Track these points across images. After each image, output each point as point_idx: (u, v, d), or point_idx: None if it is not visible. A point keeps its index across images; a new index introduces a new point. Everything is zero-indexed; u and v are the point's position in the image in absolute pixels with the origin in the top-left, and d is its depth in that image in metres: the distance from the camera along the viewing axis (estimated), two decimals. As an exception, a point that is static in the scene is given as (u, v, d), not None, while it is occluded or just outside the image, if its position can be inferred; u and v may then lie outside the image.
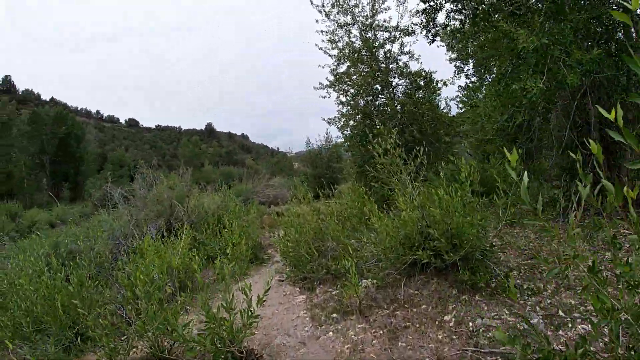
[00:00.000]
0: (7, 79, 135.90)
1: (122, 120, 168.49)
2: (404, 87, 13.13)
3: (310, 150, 28.52)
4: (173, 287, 6.52)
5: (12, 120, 51.12)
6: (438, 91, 13.02)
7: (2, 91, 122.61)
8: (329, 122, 13.64)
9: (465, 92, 21.56)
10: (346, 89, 13.08)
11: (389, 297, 5.39)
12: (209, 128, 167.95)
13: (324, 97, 13.49)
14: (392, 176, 5.97)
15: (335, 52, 13.27)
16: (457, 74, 14.97)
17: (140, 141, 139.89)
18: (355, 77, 12.96)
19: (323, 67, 13.49)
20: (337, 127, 13.42)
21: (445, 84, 12.97)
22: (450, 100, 18.36)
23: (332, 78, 13.36)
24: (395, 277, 5.76)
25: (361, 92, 12.76)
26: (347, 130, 13.30)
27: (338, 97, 13.33)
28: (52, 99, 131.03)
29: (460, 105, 20.96)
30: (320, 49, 13.41)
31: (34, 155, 49.58)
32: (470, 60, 14.80)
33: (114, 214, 12.23)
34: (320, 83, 13.51)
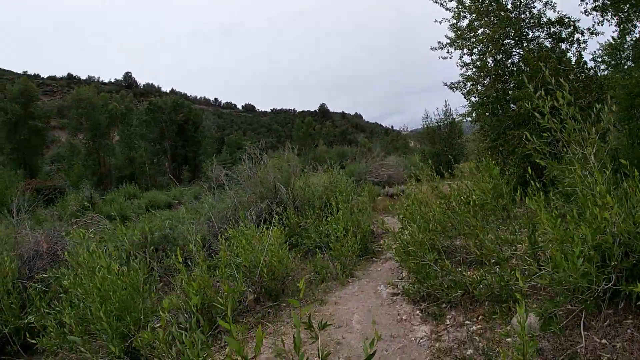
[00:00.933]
0: (127, 75, 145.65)
1: (239, 106, 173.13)
2: (542, 40, 10.69)
3: (428, 125, 26.19)
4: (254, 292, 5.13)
5: (131, 111, 53.99)
6: (584, 45, 10.39)
7: (124, 86, 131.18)
8: (452, 88, 11.52)
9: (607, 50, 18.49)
10: (471, 46, 10.93)
11: (562, 348, 3.30)
12: (323, 109, 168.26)
13: (444, 58, 11.51)
14: (562, 147, 3.98)
15: (453, 3, 11.15)
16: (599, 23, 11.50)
17: (257, 124, 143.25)
18: (480, 30, 10.78)
19: (440, 23, 11.43)
20: (463, 93, 11.30)
21: (594, 33, 10.39)
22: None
23: (452, 35, 11.27)
24: (568, 309, 3.59)
25: (490, 48, 10.55)
26: (474, 97, 11.14)
27: (461, 57, 11.23)
28: (172, 90, 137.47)
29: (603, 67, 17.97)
30: (436, 1, 11.35)
31: (154, 142, 51.73)
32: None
33: (220, 195, 11.45)
34: (438, 42, 11.50)
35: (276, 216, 8.84)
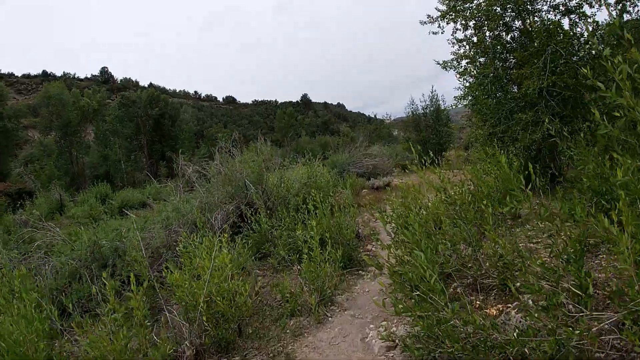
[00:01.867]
0: (104, 70, 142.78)
1: (220, 99, 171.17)
2: (545, 12, 9.42)
3: (414, 112, 25.00)
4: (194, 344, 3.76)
5: (104, 106, 52.19)
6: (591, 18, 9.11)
7: (101, 82, 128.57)
8: (445, 67, 10.24)
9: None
10: (465, 19, 9.65)
11: None
12: (305, 99, 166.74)
13: (435, 33, 10.20)
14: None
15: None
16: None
17: (238, 116, 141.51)
18: (476, 1, 9.49)
19: (430, -7, 10.15)
20: (458, 73, 10.03)
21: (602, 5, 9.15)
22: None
23: (443, 8, 9.97)
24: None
25: (486, 22, 9.27)
26: (469, 77, 9.88)
27: (454, 32, 9.95)
28: (150, 84, 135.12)
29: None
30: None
31: (130, 138, 50.19)
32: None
33: (191, 195, 10.50)
34: (428, 15, 10.18)
35: (253, 216, 7.97)
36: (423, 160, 6.22)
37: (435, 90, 24.50)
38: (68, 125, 45.40)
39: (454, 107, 18.99)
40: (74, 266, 6.82)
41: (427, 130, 23.93)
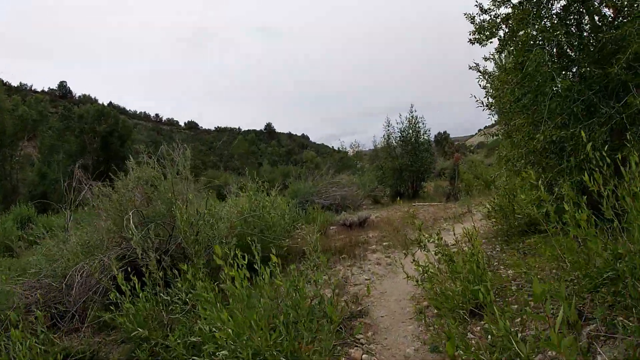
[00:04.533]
0: (62, 84, 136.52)
1: (182, 123, 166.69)
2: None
3: (389, 133, 21.43)
4: None
5: (46, 117, 47.64)
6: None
7: (58, 96, 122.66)
8: (479, 32, 6.47)
9: None
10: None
11: None
12: (269, 128, 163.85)
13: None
14: None
15: None
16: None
17: (199, 142, 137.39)
18: None
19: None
20: (499, 40, 6.32)
21: None
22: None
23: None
24: None
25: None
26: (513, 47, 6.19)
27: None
28: (109, 103, 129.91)
29: None
30: None
31: (74, 155, 45.26)
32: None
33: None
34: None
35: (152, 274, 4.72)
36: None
37: (415, 110, 20.93)
38: (3, 135, 40.44)
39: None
40: None
41: (405, 157, 20.34)
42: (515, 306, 4.28)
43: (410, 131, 20.76)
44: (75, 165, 9.62)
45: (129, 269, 5.19)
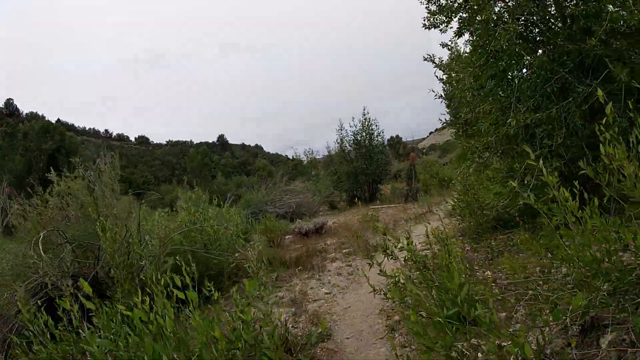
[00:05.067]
0: (9, 102, 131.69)
1: (132, 138, 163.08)
2: None
3: (343, 137, 20.80)
4: None
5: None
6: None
7: (5, 114, 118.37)
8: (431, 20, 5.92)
9: None
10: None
11: None
12: (222, 140, 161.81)
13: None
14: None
15: None
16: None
17: (150, 157, 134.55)
18: None
19: None
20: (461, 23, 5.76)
21: None
22: None
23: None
24: None
25: None
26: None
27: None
28: (57, 120, 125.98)
29: None
30: None
31: (21, 175, 43.21)
32: None
33: None
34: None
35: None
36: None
37: (367, 113, 20.37)
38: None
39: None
40: None
41: (359, 160, 19.77)
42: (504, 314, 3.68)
43: (364, 133, 20.19)
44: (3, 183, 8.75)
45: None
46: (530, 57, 4.90)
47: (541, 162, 2.93)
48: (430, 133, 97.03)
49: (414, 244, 3.95)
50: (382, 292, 3.97)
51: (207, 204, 7.44)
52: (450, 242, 3.89)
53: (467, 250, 6.52)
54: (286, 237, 11.64)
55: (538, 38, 5.29)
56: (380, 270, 3.85)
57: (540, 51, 5.08)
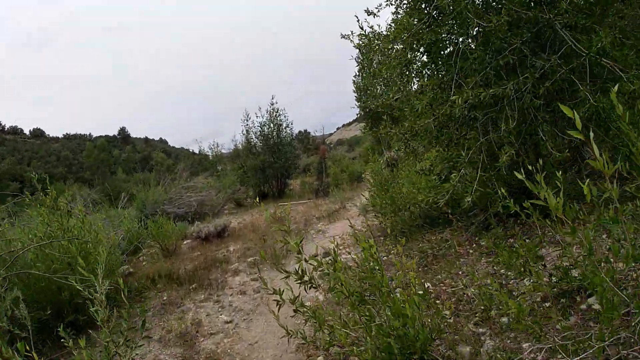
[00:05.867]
0: None
1: (27, 131, 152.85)
2: None
3: (249, 128, 19.34)
4: None
5: None
6: None
7: None
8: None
9: None
10: None
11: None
12: (123, 133, 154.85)
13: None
14: None
15: None
16: None
17: (46, 152, 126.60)
18: None
19: None
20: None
21: None
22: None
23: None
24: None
25: None
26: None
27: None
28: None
29: None
30: None
31: None
32: None
33: None
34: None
35: None
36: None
37: (275, 102, 19.01)
38: None
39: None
40: None
41: (267, 153, 18.49)
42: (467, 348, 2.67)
43: (272, 125, 18.86)
44: None
45: None
46: (483, 21, 3.85)
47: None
48: (338, 128, 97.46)
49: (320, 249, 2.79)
50: (299, 334, 2.81)
51: (66, 211, 5.84)
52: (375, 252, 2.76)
53: (394, 254, 5.49)
54: (185, 242, 10.25)
55: (493, 2, 4.29)
56: (295, 309, 2.68)
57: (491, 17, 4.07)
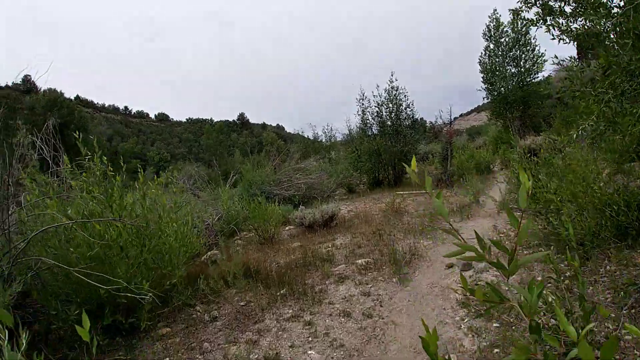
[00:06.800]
0: (26, 79, 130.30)
1: (152, 115, 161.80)
2: None
3: (365, 108, 17.41)
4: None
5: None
6: None
7: (23, 91, 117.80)
8: None
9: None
10: None
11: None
12: (242, 119, 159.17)
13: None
14: None
15: None
16: None
17: (169, 134, 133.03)
18: None
19: None
20: None
21: None
22: None
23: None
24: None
25: None
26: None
27: None
28: (77, 96, 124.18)
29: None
30: None
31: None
32: None
33: None
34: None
35: None
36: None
37: (395, 80, 16.88)
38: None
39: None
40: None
41: (384, 136, 16.54)
42: None
43: (390, 104, 16.83)
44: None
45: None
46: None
47: None
48: (455, 118, 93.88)
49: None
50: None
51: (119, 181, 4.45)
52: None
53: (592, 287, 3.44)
54: (286, 228, 8.77)
55: None
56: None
57: None
